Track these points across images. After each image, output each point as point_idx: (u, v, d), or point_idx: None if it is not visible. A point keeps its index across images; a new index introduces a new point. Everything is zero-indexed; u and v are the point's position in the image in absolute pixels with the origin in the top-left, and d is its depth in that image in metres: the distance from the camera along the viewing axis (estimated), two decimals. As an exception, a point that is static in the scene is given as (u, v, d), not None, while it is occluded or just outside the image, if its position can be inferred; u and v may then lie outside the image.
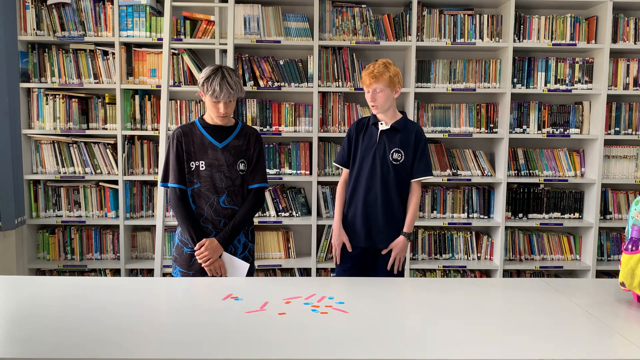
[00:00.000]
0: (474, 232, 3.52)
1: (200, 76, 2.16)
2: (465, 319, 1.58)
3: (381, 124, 2.38)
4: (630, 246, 1.68)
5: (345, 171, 2.50)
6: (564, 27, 3.38)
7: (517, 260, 3.52)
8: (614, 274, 3.45)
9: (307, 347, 1.39)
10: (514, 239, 3.51)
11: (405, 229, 2.38)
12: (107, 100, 3.34)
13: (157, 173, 3.29)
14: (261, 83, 3.34)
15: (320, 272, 3.45)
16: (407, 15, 3.32)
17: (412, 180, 2.40)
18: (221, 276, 2.19)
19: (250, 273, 2.27)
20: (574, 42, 3.36)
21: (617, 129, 3.45)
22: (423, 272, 3.50)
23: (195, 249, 2.16)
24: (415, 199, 2.40)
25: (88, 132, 3.32)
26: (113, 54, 3.29)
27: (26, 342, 1.39)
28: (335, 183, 3.02)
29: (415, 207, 2.40)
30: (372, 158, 2.37)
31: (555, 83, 3.43)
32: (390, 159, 2.35)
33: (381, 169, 2.35)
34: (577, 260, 3.53)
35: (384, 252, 2.36)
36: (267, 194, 3.41)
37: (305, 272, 3.46)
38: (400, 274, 2.43)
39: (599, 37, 3.37)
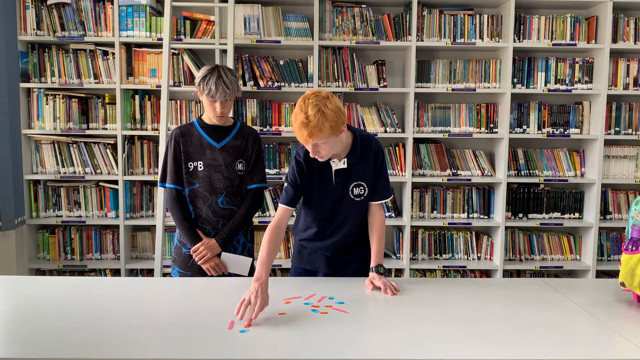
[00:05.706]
0: (474, 232, 3.52)
1: (197, 75, 2.16)
2: (465, 319, 1.59)
3: (333, 162, 1.93)
4: (630, 246, 1.68)
5: (284, 209, 1.91)
6: (564, 27, 3.37)
7: (517, 260, 3.52)
8: (614, 274, 3.45)
9: (307, 347, 1.39)
10: (514, 239, 3.51)
11: (372, 263, 1.94)
12: (107, 100, 3.34)
13: (157, 173, 3.29)
14: (261, 83, 3.34)
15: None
16: (407, 15, 3.32)
17: (372, 203, 2.01)
18: (223, 274, 2.19)
19: (250, 272, 2.27)
20: (574, 42, 3.36)
21: (617, 129, 3.45)
22: (423, 272, 3.50)
23: (192, 249, 2.16)
24: (379, 225, 1.99)
25: (88, 132, 3.32)
26: (113, 54, 3.29)
27: (26, 342, 1.39)
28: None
29: (382, 234, 1.99)
30: (332, 202, 1.98)
31: (555, 83, 3.43)
32: (352, 195, 1.96)
33: (342, 210, 1.99)
34: (577, 260, 3.53)
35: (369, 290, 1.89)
36: (267, 194, 3.41)
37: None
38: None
39: (599, 37, 3.37)
